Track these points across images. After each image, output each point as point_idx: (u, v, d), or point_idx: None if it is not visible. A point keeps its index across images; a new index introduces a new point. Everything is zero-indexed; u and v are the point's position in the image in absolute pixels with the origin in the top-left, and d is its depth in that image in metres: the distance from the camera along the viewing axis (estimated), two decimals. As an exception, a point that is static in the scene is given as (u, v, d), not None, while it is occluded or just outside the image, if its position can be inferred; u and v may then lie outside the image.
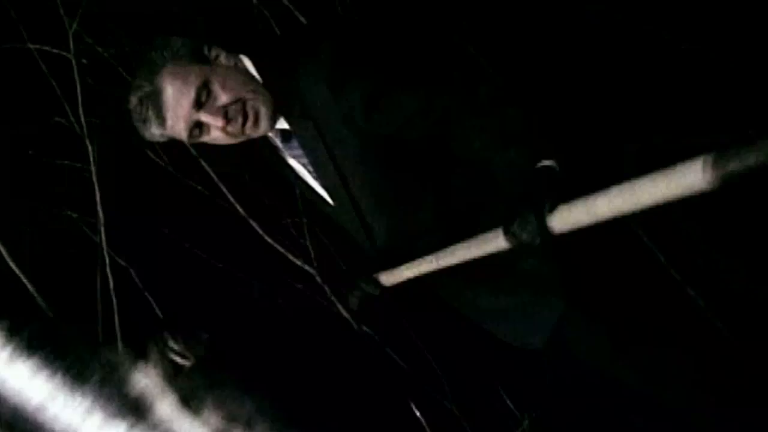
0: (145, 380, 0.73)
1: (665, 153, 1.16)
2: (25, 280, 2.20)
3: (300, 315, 2.43)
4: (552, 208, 1.31)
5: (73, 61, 2.41)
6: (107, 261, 2.47)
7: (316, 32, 2.05)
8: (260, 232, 2.57)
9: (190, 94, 1.57)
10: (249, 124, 1.61)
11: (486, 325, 1.83)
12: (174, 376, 1.60)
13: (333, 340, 2.54)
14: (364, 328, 2.54)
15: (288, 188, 1.93)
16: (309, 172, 1.75)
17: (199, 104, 1.58)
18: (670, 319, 1.77)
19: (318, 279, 2.46)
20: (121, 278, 2.54)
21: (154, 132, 1.61)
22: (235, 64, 1.65)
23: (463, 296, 1.80)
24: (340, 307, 2.24)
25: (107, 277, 2.46)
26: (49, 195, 2.58)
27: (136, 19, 2.51)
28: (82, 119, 2.44)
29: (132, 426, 0.69)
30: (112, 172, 2.49)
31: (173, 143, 1.70)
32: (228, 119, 1.59)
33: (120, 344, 2.29)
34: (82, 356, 0.69)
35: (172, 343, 1.64)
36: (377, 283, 1.75)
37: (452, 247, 1.54)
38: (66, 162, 2.54)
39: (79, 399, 0.68)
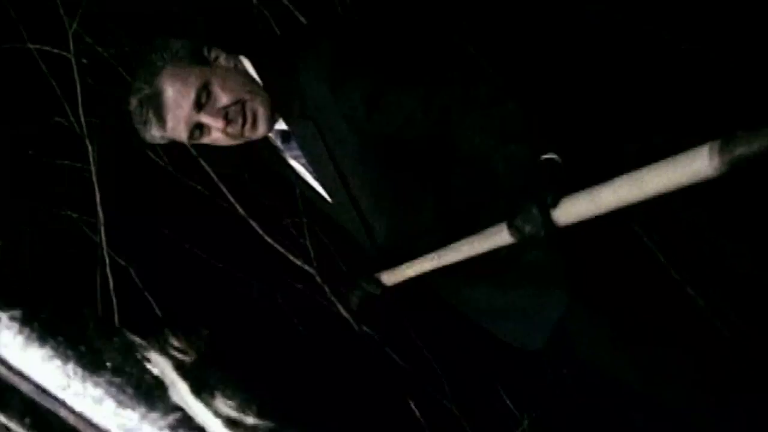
0: (159, 367, 0.72)
1: (665, 153, 1.17)
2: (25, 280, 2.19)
3: (300, 315, 2.43)
4: (555, 201, 1.31)
5: (73, 61, 2.41)
6: (107, 261, 2.47)
7: (316, 32, 2.05)
8: (260, 232, 2.57)
9: (191, 96, 1.56)
10: (248, 126, 1.61)
11: (486, 324, 1.83)
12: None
13: (333, 339, 2.55)
14: (364, 327, 2.54)
15: (288, 188, 1.93)
16: (309, 172, 1.76)
17: (199, 105, 1.58)
18: (669, 318, 1.77)
19: (318, 279, 2.46)
20: (121, 278, 2.54)
21: (155, 134, 1.61)
22: (235, 65, 1.65)
23: (462, 295, 1.80)
24: (340, 306, 2.24)
25: (107, 277, 2.46)
26: (49, 195, 2.58)
27: (136, 19, 2.51)
28: (82, 119, 2.44)
29: (145, 413, 0.68)
30: (112, 172, 2.49)
31: (173, 143, 1.70)
32: (228, 120, 1.59)
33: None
34: (95, 344, 0.69)
35: (172, 340, 1.64)
36: (378, 283, 1.75)
37: (455, 244, 1.54)
38: (66, 162, 2.54)
39: (92, 386, 0.68)
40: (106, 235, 2.47)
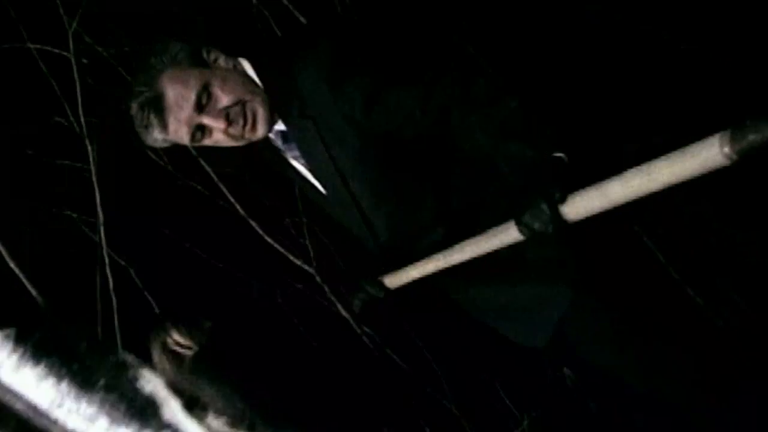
0: (151, 385, 0.73)
1: (665, 152, 1.17)
2: (24, 281, 2.20)
3: (300, 315, 2.43)
4: (563, 197, 1.31)
5: (73, 61, 2.41)
6: (107, 261, 2.47)
7: (315, 32, 2.05)
8: (260, 232, 2.57)
9: (191, 98, 1.57)
10: (248, 127, 1.61)
11: (488, 321, 1.83)
12: (178, 367, 1.60)
13: (333, 339, 2.55)
14: (364, 328, 2.54)
15: (288, 188, 1.93)
16: (310, 171, 1.76)
17: (200, 107, 1.58)
18: (669, 317, 1.77)
19: (318, 279, 2.47)
20: (121, 278, 2.54)
21: (157, 137, 1.61)
22: (234, 66, 1.66)
23: (465, 293, 1.80)
24: (339, 306, 2.24)
25: (107, 277, 2.46)
26: (49, 195, 2.58)
27: (136, 19, 2.51)
28: (82, 119, 2.44)
29: (138, 430, 0.69)
30: (112, 172, 2.49)
31: (175, 146, 1.70)
32: (229, 121, 1.59)
33: (119, 344, 2.29)
34: (88, 362, 0.69)
35: (174, 333, 1.65)
36: (381, 285, 1.75)
37: (461, 244, 1.53)
38: (66, 162, 2.54)
39: (85, 404, 0.68)
40: (106, 235, 2.47)
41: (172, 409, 0.71)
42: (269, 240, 2.57)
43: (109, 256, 2.49)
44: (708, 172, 1.10)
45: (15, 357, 0.68)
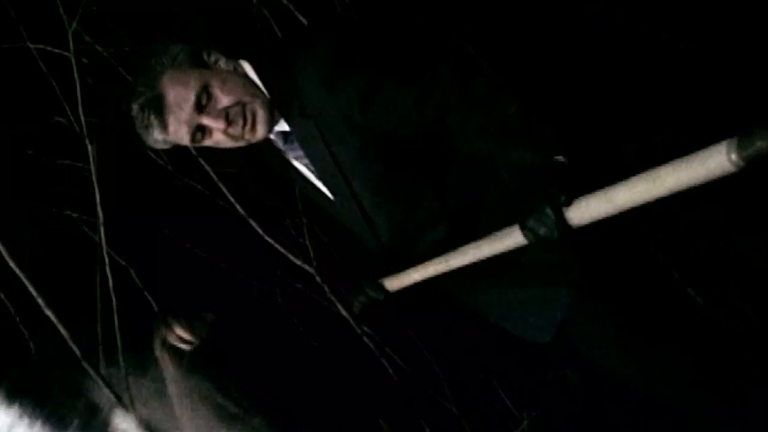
0: (125, 424, 0.73)
1: (664, 152, 1.17)
2: (25, 281, 2.20)
3: (300, 315, 2.43)
4: (568, 201, 1.31)
5: (73, 61, 2.41)
6: (107, 261, 2.47)
7: (314, 32, 2.05)
8: (260, 232, 2.57)
9: (191, 98, 1.57)
10: (247, 127, 1.61)
11: (492, 318, 1.83)
12: (179, 361, 1.60)
13: (333, 339, 2.55)
14: (364, 328, 2.54)
15: (288, 188, 1.93)
16: (312, 172, 1.76)
17: (200, 108, 1.59)
18: (670, 318, 1.77)
19: (318, 279, 2.46)
20: (121, 278, 2.54)
21: (157, 137, 1.62)
22: (234, 67, 1.66)
23: (468, 290, 1.80)
24: (339, 306, 2.24)
25: (107, 277, 2.46)
26: (49, 195, 2.58)
27: (136, 19, 2.51)
28: (82, 119, 2.43)
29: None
30: (112, 171, 2.49)
31: (175, 146, 1.70)
32: (229, 121, 1.60)
33: (119, 344, 2.29)
34: (62, 402, 0.69)
35: (176, 326, 1.65)
36: (382, 288, 1.75)
37: (462, 248, 1.53)
38: (66, 162, 2.54)
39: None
40: (106, 235, 2.47)
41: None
42: (269, 240, 2.57)
43: (109, 256, 2.49)
44: (715, 179, 1.11)
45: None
